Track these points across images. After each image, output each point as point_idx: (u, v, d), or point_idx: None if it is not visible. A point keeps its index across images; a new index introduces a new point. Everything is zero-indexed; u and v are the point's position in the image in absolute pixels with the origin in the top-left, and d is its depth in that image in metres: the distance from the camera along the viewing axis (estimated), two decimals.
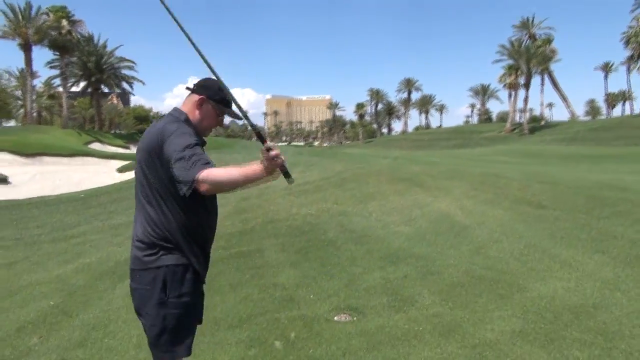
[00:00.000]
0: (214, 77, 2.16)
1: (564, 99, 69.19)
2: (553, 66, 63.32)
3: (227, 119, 2.43)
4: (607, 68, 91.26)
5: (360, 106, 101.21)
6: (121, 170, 20.91)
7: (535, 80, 64.11)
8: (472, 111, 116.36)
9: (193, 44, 2.13)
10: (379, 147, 62.73)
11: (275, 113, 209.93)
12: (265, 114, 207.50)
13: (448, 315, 4.04)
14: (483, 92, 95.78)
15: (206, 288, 4.75)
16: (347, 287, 4.88)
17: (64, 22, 40.20)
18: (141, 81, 50.06)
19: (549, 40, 60.57)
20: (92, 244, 7.04)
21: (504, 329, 3.70)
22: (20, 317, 4.45)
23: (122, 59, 47.90)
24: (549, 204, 7.88)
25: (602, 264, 5.04)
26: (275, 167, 1.95)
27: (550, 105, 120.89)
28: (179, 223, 2.12)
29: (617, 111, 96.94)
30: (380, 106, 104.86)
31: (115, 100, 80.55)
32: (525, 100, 60.42)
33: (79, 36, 42.95)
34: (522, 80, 60.37)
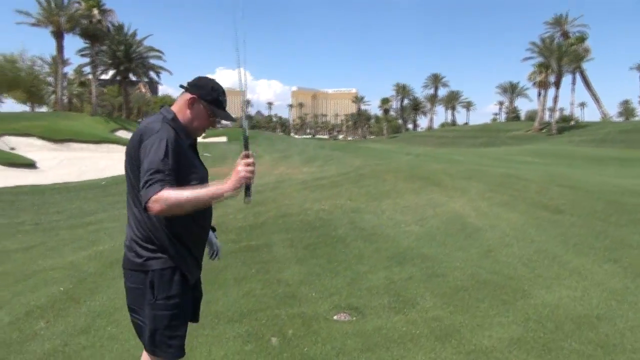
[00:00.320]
0: (208, 77, 2.19)
1: (595, 99, 67.35)
2: (585, 65, 61.67)
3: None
4: None
5: (385, 101, 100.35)
6: None
7: (567, 79, 62.47)
8: (500, 109, 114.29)
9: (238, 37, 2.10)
10: (402, 143, 62.22)
11: (301, 105, 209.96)
12: (291, 106, 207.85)
13: (447, 319, 4.01)
14: (512, 90, 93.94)
15: (210, 282, 4.85)
16: (350, 285, 4.88)
17: (95, 11, 40.90)
18: (168, 71, 50.73)
19: (582, 39, 58.86)
20: (107, 232, 7.21)
21: (502, 336, 3.65)
22: (31, 301, 4.60)
23: (151, 49, 48.62)
24: (566, 209, 7.71)
25: (612, 274, 4.91)
26: (243, 181, 2.00)
27: (582, 105, 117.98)
28: (162, 224, 2.11)
29: None
30: (405, 101, 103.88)
31: (143, 89, 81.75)
32: (555, 99, 58.98)
33: (109, 25, 43.67)
34: (552, 79, 58.87)
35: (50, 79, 56.29)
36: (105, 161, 21.64)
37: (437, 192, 9.35)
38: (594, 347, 3.43)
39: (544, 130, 58.94)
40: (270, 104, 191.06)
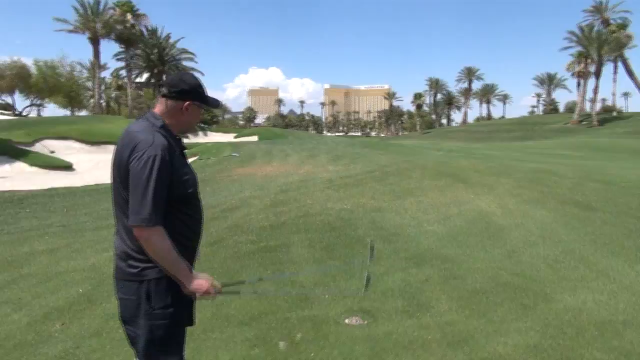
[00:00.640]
0: (183, 74, 2.21)
1: (639, 88, 64.46)
2: (628, 53, 59.05)
3: None
4: None
5: (418, 96, 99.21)
6: None
7: (608, 68, 60.06)
8: (537, 101, 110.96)
9: None
10: (436, 139, 61.29)
11: (333, 103, 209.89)
12: (323, 104, 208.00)
13: (462, 324, 3.86)
14: (549, 81, 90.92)
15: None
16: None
17: (129, 16, 42.09)
18: (200, 72, 51.65)
19: (623, 25, 56.41)
20: None
21: (518, 342, 3.48)
22: (50, 302, 4.70)
23: (183, 51, 49.61)
24: (598, 206, 7.36)
25: None
26: (200, 293, 2.17)
27: (625, 95, 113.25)
28: None
29: None
30: (439, 96, 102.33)
31: None
32: (595, 89, 56.91)
33: (142, 29, 44.79)
34: (592, 69, 56.80)
35: (89, 84, 58.18)
36: None
37: (463, 190, 9.11)
38: (616, 356, 3.22)
39: (584, 123, 56.92)
40: (302, 102, 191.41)
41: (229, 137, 41.62)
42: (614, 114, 62.38)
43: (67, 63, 50.55)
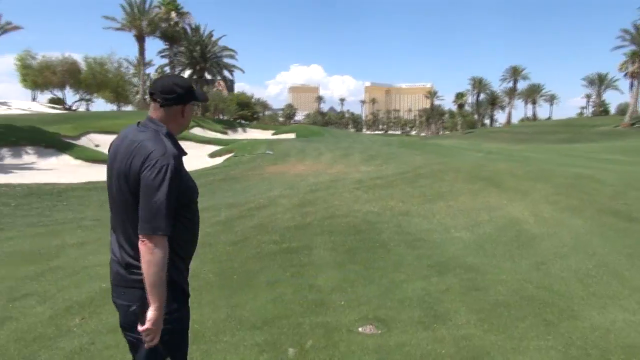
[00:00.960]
0: (171, 78, 2.22)
1: None
2: None
3: None
4: None
5: (460, 95, 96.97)
6: (212, 155, 22.01)
7: None
8: (587, 102, 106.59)
9: None
10: (477, 139, 59.81)
11: (373, 101, 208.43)
12: (363, 102, 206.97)
13: (479, 339, 3.70)
14: (599, 82, 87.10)
15: (242, 285, 4.85)
16: (383, 295, 4.67)
17: (173, 14, 43.09)
18: (241, 69, 52.47)
19: None
20: None
21: None
22: (73, 296, 4.82)
23: (225, 48, 50.38)
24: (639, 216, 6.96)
25: None
26: (153, 328, 2.03)
27: None
28: None
29: None
30: (482, 96, 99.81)
31: (220, 87, 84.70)
32: None
33: (186, 27, 45.76)
34: None
35: (135, 80, 60.01)
36: None
37: (496, 195, 8.81)
38: None
39: (636, 125, 54.21)
40: (342, 100, 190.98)
41: (267, 134, 42.06)
42: None
43: (115, 60, 52.36)
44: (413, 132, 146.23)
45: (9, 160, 19.26)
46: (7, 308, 4.58)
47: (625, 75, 58.78)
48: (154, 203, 1.98)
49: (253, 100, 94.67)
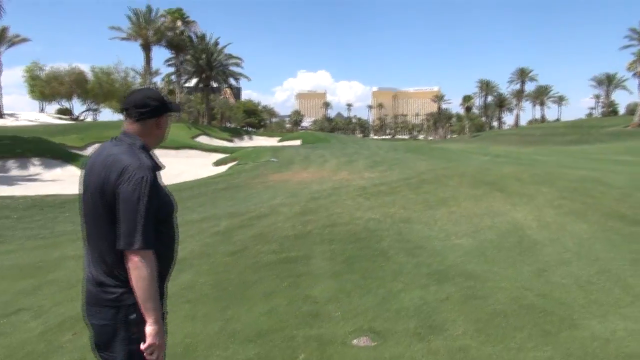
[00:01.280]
0: (142, 91, 2.21)
1: None
2: None
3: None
4: None
5: (467, 98, 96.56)
6: (217, 163, 22.03)
7: None
8: (596, 103, 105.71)
9: None
10: (485, 142, 59.52)
11: (380, 106, 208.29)
12: (370, 107, 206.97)
13: (475, 350, 3.61)
14: (608, 82, 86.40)
15: (238, 297, 4.79)
16: (379, 305, 4.59)
17: (179, 23, 43.41)
18: (247, 77, 52.69)
19: None
20: None
21: None
22: (67, 311, 4.79)
23: (230, 56, 50.67)
24: None
25: None
26: (155, 342, 2.02)
27: None
28: None
29: None
30: (489, 98, 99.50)
31: (227, 95, 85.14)
32: None
33: (192, 35, 46.08)
34: None
35: None
36: (182, 166, 22.71)
37: (499, 200, 8.69)
38: None
39: None
40: (349, 105, 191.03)
41: (273, 141, 42.10)
42: None
43: (122, 69, 52.83)
44: (421, 137, 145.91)
45: (14, 172, 19.42)
46: (0, 324, 4.56)
47: (634, 74, 58.32)
48: (134, 216, 1.96)
49: (260, 107, 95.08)
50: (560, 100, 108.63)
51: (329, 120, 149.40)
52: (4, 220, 9.48)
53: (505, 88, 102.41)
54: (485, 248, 6.14)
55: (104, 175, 2.04)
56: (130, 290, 2.04)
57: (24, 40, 45.55)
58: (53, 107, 57.24)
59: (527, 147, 43.39)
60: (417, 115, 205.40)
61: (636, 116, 57.23)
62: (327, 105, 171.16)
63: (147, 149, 2.18)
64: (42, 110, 57.64)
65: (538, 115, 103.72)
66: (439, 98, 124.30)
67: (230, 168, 19.87)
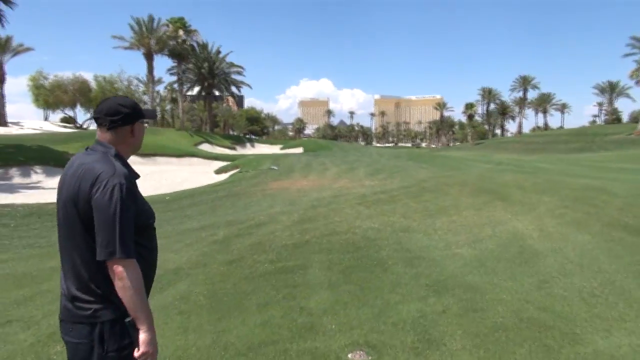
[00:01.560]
0: (115, 98, 2.14)
1: None
2: None
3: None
4: None
5: (469, 106, 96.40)
6: (218, 171, 21.98)
7: None
8: (599, 111, 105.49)
9: None
10: (488, 150, 59.38)
11: (383, 113, 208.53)
12: (372, 115, 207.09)
13: None
14: (611, 90, 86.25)
15: (232, 308, 4.69)
16: (376, 318, 4.47)
17: (181, 32, 43.61)
18: (248, 85, 52.82)
19: None
20: None
21: None
22: (56, 323, 4.68)
23: (232, 65, 50.86)
24: None
25: None
26: (150, 350, 1.97)
27: None
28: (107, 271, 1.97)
29: None
30: (492, 106, 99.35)
31: (230, 103, 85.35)
32: None
33: (194, 44, 46.27)
34: None
35: (145, 97, 60.73)
36: (185, 174, 22.68)
37: (501, 209, 8.58)
38: None
39: None
40: (352, 113, 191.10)
41: (275, 149, 42.11)
42: None
43: (125, 78, 53.05)
44: (423, 144, 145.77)
45: (17, 180, 19.41)
46: None
47: (637, 82, 58.16)
48: (111, 225, 1.88)
49: (263, 115, 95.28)
50: (563, 107, 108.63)
51: (331, 127, 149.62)
52: (1, 229, 9.42)
53: (508, 96, 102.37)
54: (486, 258, 6.03)
55: (76, 186, 1.97)
56: (106, 306, 1.96)
57: (28, 49, 45.76)
58: (57, 115, 57.49)
59: (530, 155, 43.24)
60: (419, 123, 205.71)
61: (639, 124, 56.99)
62: (329, 112, 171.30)
63: (121, 158, 2.11)
64: (46, 118, 57.90)
65: (541, 123, 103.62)
66: (441, 106, 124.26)
67: (231, 176, 19.82)
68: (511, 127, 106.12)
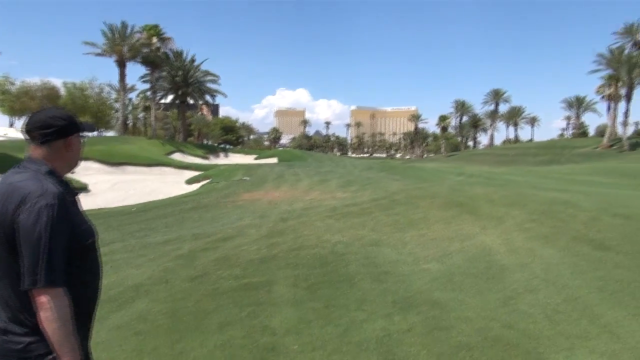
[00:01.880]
0: (46, 111, 1.99)
1: None
2: None
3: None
4: None
5: (443, 118, 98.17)
6: (189, 181, 21.62)
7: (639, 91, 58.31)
8: (567, 124, 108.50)
9: None
10: (460, 162, 60.30)
11: (359, 124, 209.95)
12: (348, 125, 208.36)
13: None
14: (578, 104, 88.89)
15: (192, 328, 4.51)
16: (340, 337, 4.35)
17: (155, 40, 43.06)
18: (223, 94, 52.52)
19: None
20: (113, 265, 7.08)
21: None
22: None
23: (207, 73, 50.46)
24: (613, 245, 6.77)
25: None
26: None
27: None
28: None
29: None
30: (465, 118, 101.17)
31: (205, 112, 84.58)
32: (626, 113, 55.22)
33: (168, 52, 45.76)
34: (623, 91, 55.25)
35: (117, 105, 59.71)
36: (155, 184, 22.23)
37: (470, 222, 8.60)
38: None
39: (614, 147, 55.17)
40: (328, 123, 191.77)
41: (249, 159, 41.79)
42: None
43: (97, 85, 52.04)
44: (398, 155, 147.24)
45: None
46: None
47: (603, 97, 60.10)
48: (36, 251, 1.72)
49: (238, 124, 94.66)
50: (533, 121, 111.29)
51: (307, 137, 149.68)
52: None
53: (480, 108, 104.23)
54: (453, 274, 5.98)
55: (2, 208, 1.81)
56: (40, 339, 1.80)
57: None
58: (23, 122, 55.88)
59: (500, 167, 44.02)
60: (394, 134, 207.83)
61: (605, 138, 58.83)
62: (305, 122, 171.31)
63: (55, 175, 1.96)
64: (11, 125, 56.22)
65: (512, 135, 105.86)
66: (415, 117, 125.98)
67: (201, 187, 19.50)
68: (483, 139, 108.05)
